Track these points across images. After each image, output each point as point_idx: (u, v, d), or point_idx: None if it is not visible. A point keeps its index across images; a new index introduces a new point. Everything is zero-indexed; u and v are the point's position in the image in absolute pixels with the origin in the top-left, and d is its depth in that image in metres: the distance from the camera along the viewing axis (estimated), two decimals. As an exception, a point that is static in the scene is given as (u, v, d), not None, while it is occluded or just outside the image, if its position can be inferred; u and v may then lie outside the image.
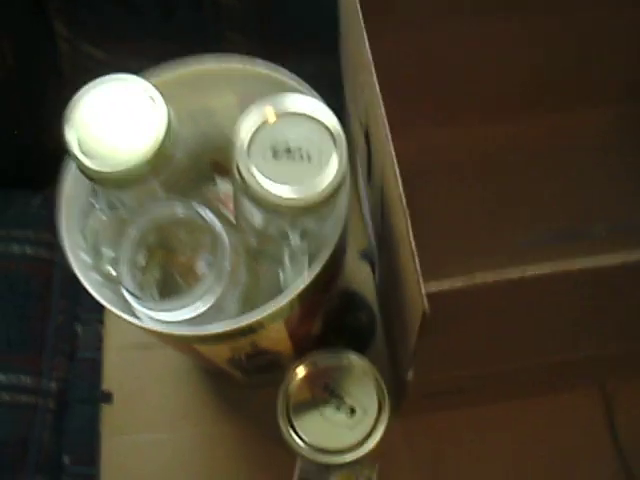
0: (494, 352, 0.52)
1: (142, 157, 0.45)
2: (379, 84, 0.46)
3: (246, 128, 0.45)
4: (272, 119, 0.45)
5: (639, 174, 0.79)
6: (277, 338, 0.54)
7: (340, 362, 0.58)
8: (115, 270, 0.51)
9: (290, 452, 0.56)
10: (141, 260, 0.51)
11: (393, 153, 0.43)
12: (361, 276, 0.75)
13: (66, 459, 0.72)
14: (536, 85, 0.75)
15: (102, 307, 0.49)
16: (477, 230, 0.74)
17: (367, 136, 0.54)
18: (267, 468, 0.69)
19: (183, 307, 0.46)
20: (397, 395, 0.60)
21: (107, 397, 0.73)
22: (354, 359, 0.58)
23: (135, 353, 0.75)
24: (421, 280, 0.39)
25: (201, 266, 0.53)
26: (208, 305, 0.47)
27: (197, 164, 0.59)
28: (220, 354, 0.55)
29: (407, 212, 0.41)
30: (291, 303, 0.47)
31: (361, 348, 0.73)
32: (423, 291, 0.39)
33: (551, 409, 0.70)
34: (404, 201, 0.42)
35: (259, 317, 0.46)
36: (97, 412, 0.73)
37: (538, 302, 0.44)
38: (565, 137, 0.80)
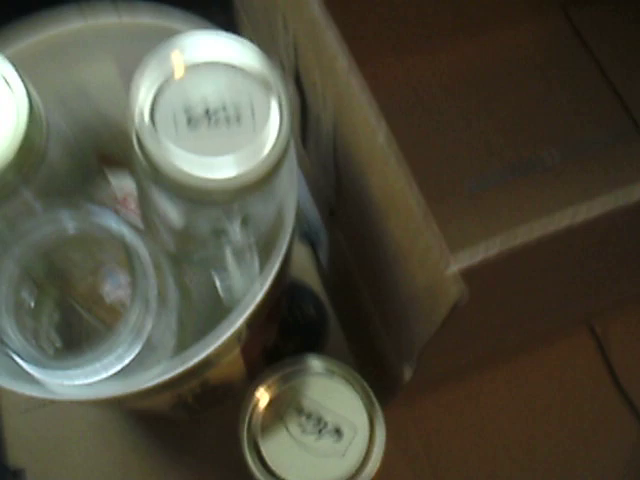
0: (510, 323, 0.41)
1: (3, 159, 0.31)
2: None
3: (144, 89, 0.32)
4: (179, 72, 0.32)
5: (580, 94, 0.71)
6: (232, 367, 0.41)
7: (309, 373, 0.46)
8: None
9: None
10: (28, 300, 0.37)
11: (366, 88, 0.31)
12: (299, 261, 0.63)
13: None
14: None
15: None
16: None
17: (298, 83, 0.42)
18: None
19: (103, 359, 0.33)
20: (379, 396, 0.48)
21: (18, 476, 0.58)
22: (326, 366, 0.46)
23: (44, 413, 0.60)
24: (448, 255, 0.27)
25: (114, 294, 0.39)
26: (137, 348, 0.34)
27: (79, 161, 0.46)
28: (160, 404, 0.41)
29: (407, 169, 0.29)
30: (251, 318, 0.35)
31: (316, 348, 0.61)
32: (453, 270, 0.27)
33: (545, 365, 0.63)
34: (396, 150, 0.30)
35: (215, 346, 0.33)
36: (9, 498, 0.57)
37: (572, 254, 0.34)
38: (502, 59, 0.71)
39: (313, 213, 0.53)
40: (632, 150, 0.68)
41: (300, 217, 0.59)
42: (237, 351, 0.39)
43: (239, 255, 0.36)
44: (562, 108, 0.71)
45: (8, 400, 0.61)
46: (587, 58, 0.73)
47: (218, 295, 0.42)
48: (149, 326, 0.34)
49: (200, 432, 0.58)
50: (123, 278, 0.43)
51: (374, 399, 0.45)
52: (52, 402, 0.60)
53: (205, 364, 0.35)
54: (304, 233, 0.61)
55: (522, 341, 0.54)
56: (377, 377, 0.46)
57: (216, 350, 0.34)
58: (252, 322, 0.36)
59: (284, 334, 0.58)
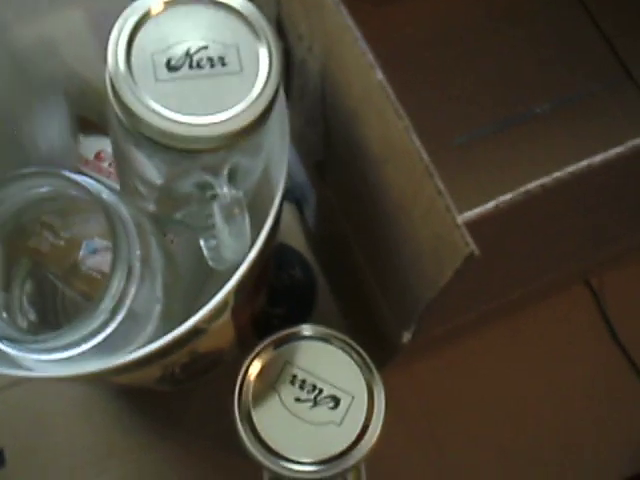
0: (511, 279, 0.39)
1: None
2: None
3: (118, 30, 0.29)
4: (157, 8, 0.29)
5: (571, 45, 0.68)
6: (222, 334, 0.39)
7: (302, 340, 0.43)
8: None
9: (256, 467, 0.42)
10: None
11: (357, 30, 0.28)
12: (283, 222, 0.60)
13: None
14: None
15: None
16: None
17: (279, 29, 0.39)
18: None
19: (83, 330, 0.30)
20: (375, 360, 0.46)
21: (-3, 457, 0.55)
22: (319, 332, 0.43)
23: (20, 391, 0.57)
24: (454, 209, 0.25)
25: (90, 261, 0.36)
26: (120, 317, 0.31)
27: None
28: (146, 377, 0.38)
29: (406, 119, 0.27)
30: (242, 282, 0.32)
31: (304, 312, 0.58)
32: (459, 222, 0.24)
33: (543, 322, 0.61)
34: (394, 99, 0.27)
35: (205, 314, 0.30)
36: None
37: (575, 204, 0.32)
38: (488, 11, 0.68)
39: (298, 169, 0.50)
40: (626, 99, 0.66)
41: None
42: (227, 317, 0.37)
43: (227, 214, 0.33)
44: (552, 60, 0.68)
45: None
46: (578, 7, 0.70)
47: (203, 258, 0.39)
48: (132, 292, 0.31)
49: (186, 405, 0.56)
50: (100, 243, 0.40)
51: (371, 365, 0.43)
52: (28, 380, 0.57)
53: (194, 332, 0.32)
54: (288, 191, 0.58)
55: (521, 298, 0.51)
56: (372, 342, 0.43)
57: (205, 317, 0.31)
58: (242, 287, 0.33)
59: (271, 298, 0.55)
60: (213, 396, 0.54)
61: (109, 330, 0.31)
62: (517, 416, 0.57)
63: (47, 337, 0.30)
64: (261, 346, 0.43)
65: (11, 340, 0.31)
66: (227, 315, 0.36)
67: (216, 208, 0.34)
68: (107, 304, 0.30)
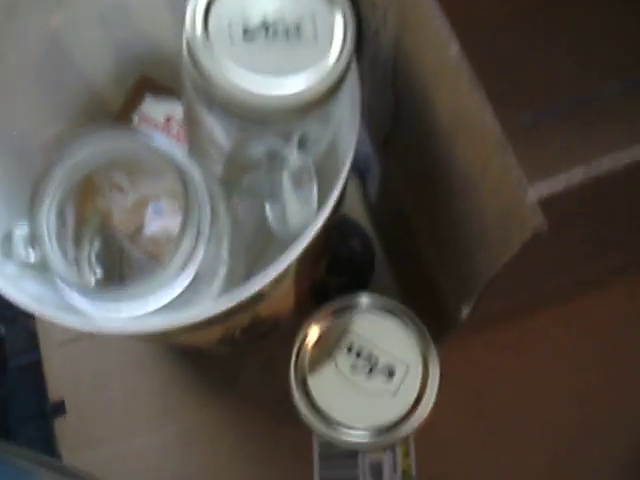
0: (575, 260, 0.39)
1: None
2: None
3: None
4: (235, -24, 0.29)
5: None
6: (283, 300, 0.39)
7: (360, 310, 0.44)
8: (33, 249, 0.34)
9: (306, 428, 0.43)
10: (69, 225, 0.35)
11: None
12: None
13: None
14: None
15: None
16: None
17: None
18: (278, 451, 0.55)
19: (154, 291, 0.30)
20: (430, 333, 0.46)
21: (58, 408, 0.57)
22: (378, 301, 0.44)
23: (82, 346, 0.59)
24: (525, 183, 0.25)
25: (157, 224, 0.37)
26: (189, 279, 0.31)
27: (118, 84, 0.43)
28: (208, 339, 0.39)
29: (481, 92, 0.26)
30: (306, 250, 0.32)
31: (362, 284, 0.58)
32: (532, 198, 0.24)
33: (601, 308, 0.59)
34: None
35: (271, 279, 0.31)
36: (50, 429, 0.57)
37: None
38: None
39: (363, 141, 0.50)
40: None
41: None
42: (289, 283, 0.37)
43: (296, 180, 0.34)
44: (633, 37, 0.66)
45: (46, 333, 0.60)
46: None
47: (266, 224, 0.40)
48: (201, 255, 0.32)
49: (242, 369, 0.57)
50: (166, 205, 0.41)
51: (428, 337, 0.43)
52: (90, 336, 0.59)
53: (258, 297, 0.33)
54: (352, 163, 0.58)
55: (582, 281, 0.51)
56: (429, 316, 0.44)
57: (271, 282, 0.31)
58: (305, 255, 0.34)
59: (330, 270, 0.55)
60: (268, 361, 0.55)
61: (177, 292, 0.31)
62: (568, 399, 0.57)
63: (120, 295, 0.31)
64: (319, 313, 0.44)
65: (86, 294, 0.32)
66: (289, 281, 0.37)
67: (285, 175, 0.34)
68: (176, 264, 0.31)
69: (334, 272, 0.56)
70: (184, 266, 0.31)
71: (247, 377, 0.57)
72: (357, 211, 0.60)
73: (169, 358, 0.58)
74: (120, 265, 0.41)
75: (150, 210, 0.41)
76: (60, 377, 0.58)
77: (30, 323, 0.61)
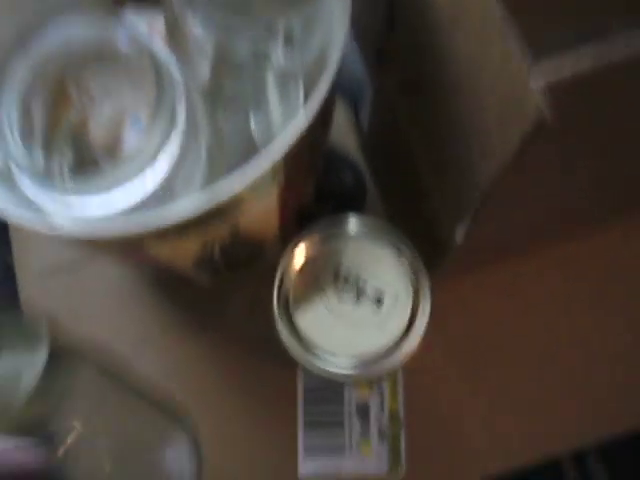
0: (579, 183, 0.36)
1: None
2: None
3: None
4: None
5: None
6: (265, 214, 0.37)
7: (349, 235, 0.41)
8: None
9: (291, 365, 0.42)
10: (39, 130, 0.33)
11: None
12: (336, 124, 0.57)
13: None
14: None
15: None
16: None
17: None
18: (262, 388, 0.53)
19: (122, 182, 0.28)
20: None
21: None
22: (368, 225, 0.42)
23: (60, 278, 0.57)
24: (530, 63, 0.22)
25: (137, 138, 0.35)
26: (161, 175, 0.29)
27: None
28: (184, 254, 0.37)
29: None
30: (290, 156, 0.30)
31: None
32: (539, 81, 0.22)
33: (600, 250, 0.57)
34: None
35: (251, 177, 0.28)
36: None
37: None
38: None
39: (356, 65, 0.47)
40: None
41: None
42: (273, 197, 0.35)
43: (282, 84, 0.31)
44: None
45: (23, 265, 0.58)
46: None
47: (252, 141, 0.37)
48: (174, 149, 0.29)
49: (225, 302, 0.55)
50: (146, 119, 0.38)
51: (421, 265, 0.41)
52: (69, 268, 0.57)
53: (235, 204, 0.30)
54: (345, 89, 0.55)
55: (579, 219, 0.49)
56: (423, 247, 0.41)
57: (252, 185, 0.29)
58: (291, 162, 0.32)
59: (320, 204, 0.53)
60: (254, 296, 0.53)
61: (148, 185, 0.29)
62: (559, 343, 0.55)
63: (87, 187, 0.28)
64: (305, 237, 0.41)
65: (41, 180, 0.29)
66: (271, 197, 0.34)
67: (270, 77, 0.32)
68: (146, 153, 0.28)
69: (324, 206, 0.54)
70: (155, 155, 0.28)
71: (231, 311, 0.55)
72: (349, 146, 0.58)
73: (151, 293, 0.56)
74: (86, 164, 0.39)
75: (128, 124, 0.38)
76: (37, 310, 0.56)
77: (7, 254, 0.58)
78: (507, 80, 0.25)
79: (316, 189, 0.50)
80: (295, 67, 0.32)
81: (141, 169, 0.29)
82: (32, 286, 0.57)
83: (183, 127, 0.29)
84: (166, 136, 0.29)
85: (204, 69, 0.34)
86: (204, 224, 0.31)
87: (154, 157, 0.29)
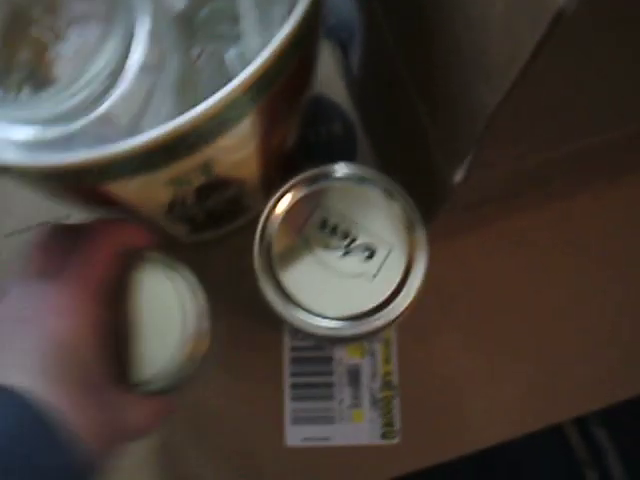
0: (598, 107, 0.32)
1: None
2: None
3: None
4: None
5: None
6: (242, 154, 0.33)
7: (337, 179, 0.38)
8: None
9: (276, 326, 0.41)
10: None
11: None
12: (325, 73, 0.53)
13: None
14: None
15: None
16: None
17: None
18: (246, 351, 0.50)
19: (73, 88, 0.24)
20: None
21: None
22: (358, 172, 0.38)
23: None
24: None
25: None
26: (118, 93, 0.25)
27: None
28: (156, 197, 0.33)
29: None
30: (265, 78, 0.26)
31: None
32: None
33: (605, 207, 0.53)
34: None
35: (221, 101, 0.25)
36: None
37: None
38: None
39: (345, 5, 0.44)
40: None
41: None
42: (249, 138, 0.31)
43: (262, 9, 0.28)
44: None
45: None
46: None
47: (225, 70, 0.34)
48: (133, 66, 0.25)
49: (206, 263, 0.51)
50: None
51: (416, 214, 0.37)
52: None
53: (206, 134, 0.27)
54: (332, 32, 0.51)
55: (586, 169, 0.45)
56: (419, 195, 0.38)
57: (223, 106, 0.25)
58: (270, 99, 0.28)
59: (307, 154, 0.50)
60: (235, 255, 0.49)
61: (106, 104, 0.25)
62: (563, 305, 0.52)
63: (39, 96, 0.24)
64: (289, 184, 0.38)
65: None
66: (249, 136, 0.31)
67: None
68: (100, 65, 0.24)
69: (312, 158, 0.51)
70: (113, 73, 0.25)
71: (213, 273, 0.51)
72: (338, 94, 0.54)
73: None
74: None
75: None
76: (6, 271, 0.53)
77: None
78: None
79: (303, 140, 0.46)
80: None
81: (96, 96, 0.25)
82: (1, 246, 0.53)
83: (142, 57, 0.26)
84: (117, 62, 0.25)
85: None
86: (171, 160, 0.27)
87: (110, 85, 0.25)
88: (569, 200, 0.53)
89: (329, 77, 0.53)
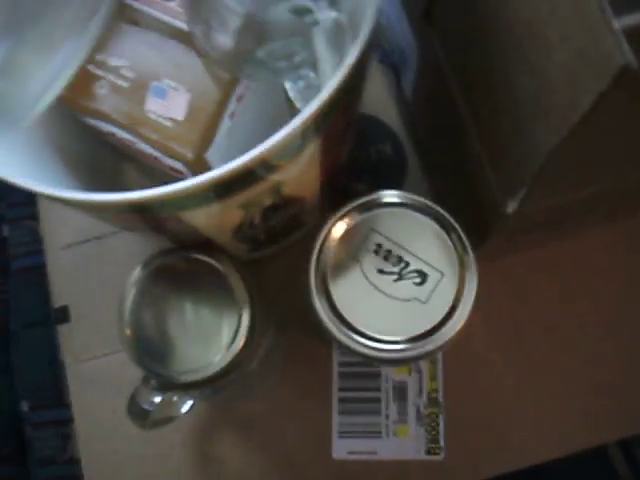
0: None
1: None
2: None
3: None
4: None
5: None
6: (307, 173, 0.35)
7: (391, 208, 0.39)
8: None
9: (326, 342, 0.41)
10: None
11: None
12: (375, 93, 0.54)
13: (24, 405, 0.53)
14: None
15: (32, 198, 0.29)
16: None
17: None
18: (296, 365, 0.51)
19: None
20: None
21: (62, 314, 0.53)
22: (412, 200, 0.39)
23: (88, 249, 0.55)
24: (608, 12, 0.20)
25: (159, 105, 0.33)
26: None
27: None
28: (227, 220, 0.35)
29: None
30: (332, 102, 0.27)
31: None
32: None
33: None
34: None
35: (302, 121, 0.26)
36: (52, 336, 0.53)
37: None
38: None
39: (399, 28, 0.45)
40: None
41: (380, 34, 0.51)
42: (312, 158, 0.33)
43: (330, 37, 0.29)
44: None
45: (51, 235, 0.56)
46: None
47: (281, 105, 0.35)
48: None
49: (260, 275, 0.53)
50: (168, 84, 0.36)
51: (466, 243, 0.38)
52: (97, 239, 0.55)
53: (270, 165, 0.28)
54: (386, 55, 0.52)
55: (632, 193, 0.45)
56: (469, 221, 0.39)
57: (299, 129, 0.27)
58: (329, 119, 0.29)
59: (359, 175, 0.51)
60: (289, 269, 0.50)
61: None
62: (607, 322, 0.52)
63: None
64: (345, 209, 0.39)
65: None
66: (312, 156, 0.32)
67: (317, 34, 0.30)
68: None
69: (363, 177, 0.52)
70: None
71: (266, 285, 0.53)
72: (389, 115, 0.55)
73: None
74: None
75: (151, 91, 0.37)
76: (64, 282, 0.55)
77: (33, 225, 0.57)
78: (580, 31, 0.22)
79: (354, 159, 0.47)
80: (340, 18, 0.29)
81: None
82: (60, 257, 0.55)
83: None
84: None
85: (228, 34, 0.32)
86: (248, 186, 0.29)
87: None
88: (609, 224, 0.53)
89: (380, 99, 0.54)
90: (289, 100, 0.35)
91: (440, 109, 0.43)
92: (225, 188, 0.28)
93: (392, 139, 0.53)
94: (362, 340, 0.37)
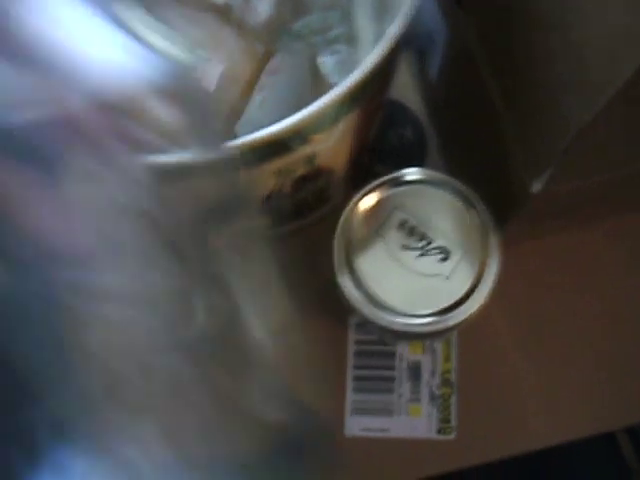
0: None
1: None
2: None
3: None
4: None
5: None
6: (340, 146, 0.35)
7: (417, 185, 0.40)
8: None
9: (342, 320, 0.42)
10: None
11: None
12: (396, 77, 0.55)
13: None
14: None
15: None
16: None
17: None
18: (312, 341, 0.51)
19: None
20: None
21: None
22: (437, 178, 0.40)
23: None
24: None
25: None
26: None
27: None
28: (259, 186, 0.35)
29: None
30: (372, 74, 0.28)
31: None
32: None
33: None
34: None
35: (338, 98, 0.27)
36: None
37: None
38: None
39: (427, 10, 0.45)
40: None
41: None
42: (349, 126, 0.33)
43: (371, 10, 0.30)
44: None
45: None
46: None
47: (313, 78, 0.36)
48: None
49: (284, 252, 0.53)
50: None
51: (491, 222, 0.39)
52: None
53: (321, 119, 0.29)
54: (412, 39, 0.53)
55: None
56: (491, 203, 0.39)
57: (337, 101, 0.28)
58: (368, 87, 0.30)
59: (379, 158, 0.52)
60: (313, 246, 0.51)
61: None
62: (624, 319, 0.53)
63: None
64: (370, 186, 0.40)
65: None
66: (354, 115, 0.33)
67: (359, 6, 0.30)
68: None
69: (384, 160, 0.52)
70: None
71: (291, 262, 0.53)
72: (410, 99, 0.55)
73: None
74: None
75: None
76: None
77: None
78: (622, 3, 0.23)
79: (375, 142, 0.48)
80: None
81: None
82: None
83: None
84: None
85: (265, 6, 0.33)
86: (285, 152, 0.29)
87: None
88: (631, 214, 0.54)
89: (403, 84, 0.55)
90: (318, 76, 0.36)
91: (468, 92, 0.44)
92: (268, 149, 0.29)
93: (413, 123, 0.54)
94: (382, 312, 0.38)
